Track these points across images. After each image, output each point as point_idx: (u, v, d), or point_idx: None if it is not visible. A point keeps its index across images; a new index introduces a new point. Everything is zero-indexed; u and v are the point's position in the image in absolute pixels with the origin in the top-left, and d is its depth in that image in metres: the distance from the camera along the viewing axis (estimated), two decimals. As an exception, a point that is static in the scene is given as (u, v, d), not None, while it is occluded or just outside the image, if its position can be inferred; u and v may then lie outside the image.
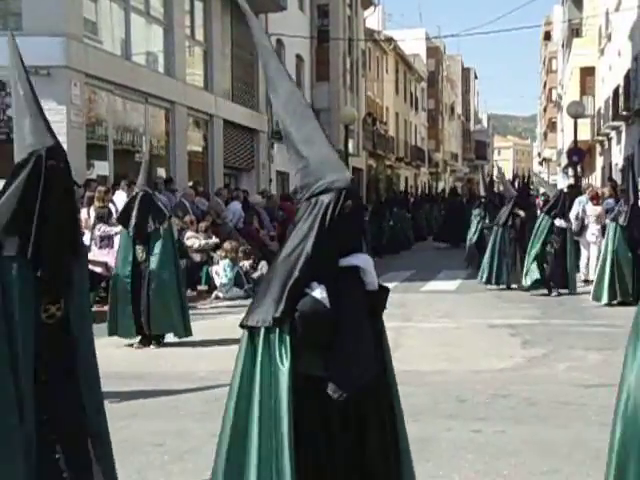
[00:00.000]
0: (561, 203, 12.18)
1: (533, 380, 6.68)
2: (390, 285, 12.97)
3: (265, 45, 3.10)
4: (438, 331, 9.30)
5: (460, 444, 4.92)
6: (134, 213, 8.19)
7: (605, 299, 10.84)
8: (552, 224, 12.02)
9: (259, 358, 2.68)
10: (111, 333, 8.20)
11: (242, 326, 2.80)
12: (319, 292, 2.62)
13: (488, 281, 13.09)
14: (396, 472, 2.81)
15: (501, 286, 13.05)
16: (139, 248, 8.15)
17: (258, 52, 3.13)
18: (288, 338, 2.62)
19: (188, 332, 8.28)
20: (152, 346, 8.35)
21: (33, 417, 2.94)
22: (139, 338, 8.34)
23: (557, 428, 5.24)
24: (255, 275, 13.78)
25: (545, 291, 12.32)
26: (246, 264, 13.32)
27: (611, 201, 13.84)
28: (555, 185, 15.79)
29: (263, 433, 2.61)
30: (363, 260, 2.75)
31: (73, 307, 3.13)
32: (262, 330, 2.70)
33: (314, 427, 2.65)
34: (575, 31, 42.68)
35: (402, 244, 22.52)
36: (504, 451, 4.79)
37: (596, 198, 13.63)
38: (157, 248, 8.14)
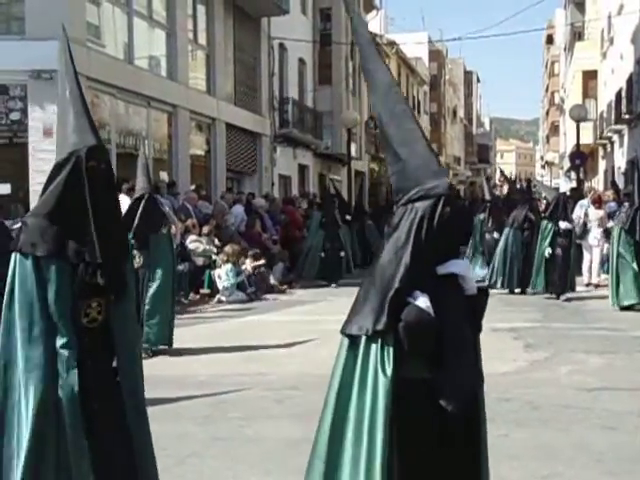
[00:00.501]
0: (562, 206, 12.13)
1: (535, 384, 6.68)
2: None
3: (364, 35, 2.96)
4: (440, 334, 9.29)
5: (462, 447, 4.91)
6: (137, 216, 7.90)
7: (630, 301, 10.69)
8: (556, 228, 11.96)
9: (359, 365, 2.66)
10: None
11: (343, 333, 2.79)
12: (423, 301, 2.57)
13: (503, 286, 12.86)
14: None
15: (506, 290, 12.93)
16: (136, 253, 7.78)
17: (356, 42, 2.98)
18: (391, 347, 2.59)
19: (170, 343, 8.08)
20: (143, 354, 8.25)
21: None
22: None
23: (559, 432, 5.24)
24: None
25: (547, 294, 12.28)
26: (249, 268, 13.33)
27: (613, 204, 13.83)
28: (557, 189, 15.59)
29: (358, 437, 2.61)
30: (461, 267, 2.68)
31: (117, 310, 3.04)
32: (363, 338, 2.67)
33: (416, 431, 2.61)
34: (577, 34, 42.69)
35: None
36: (506, 454, 4.78)
37: (598, 201, 13.62)
38: (156, 255, 7.89)
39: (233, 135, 19.85)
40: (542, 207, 15.50)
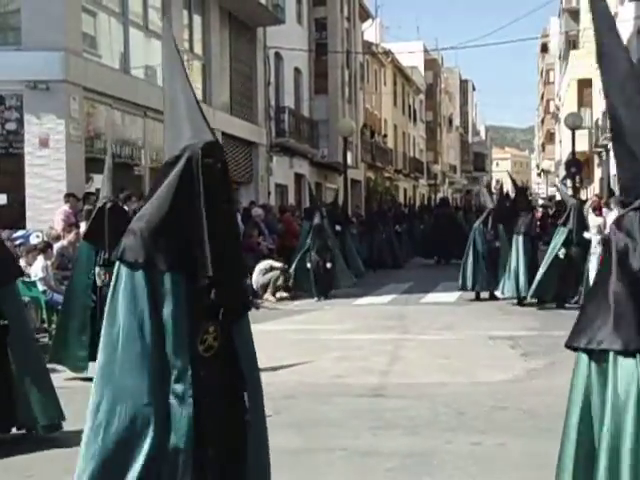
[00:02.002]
0: (577, 215, 11.76)
1: (533, 392, 6.67)
2: (389, 297, 12.98)
3: (605, 11, 2.66)
4: (438, 343, 9.29)
5: (460, 457, 4.91)
6: (106, 229, 6.95)
7: None
8: (568, 236, 11.59)
9: (610, 380, 2.51)
10: (54, 361, 7.07)
11: (573, 348, 2.60)
12: None
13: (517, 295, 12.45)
14: None
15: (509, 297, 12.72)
16: (101, 270, 6.97)
17: (595, 25, 2.62)
18: None
19: None
20: None
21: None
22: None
23: (557, 440, 5.21)
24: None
25: (540, 304, 12.10)
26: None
27: (615, 212, 13.78)
28: (573, 195, 15.27)
29: (611, 452, 2.51)
30: None
31: (238, 336, 2.70)
32: (611, 353, 2.49)
33: None
34: (572, 43, 42.89)
35: (395, 258, 20.92)
36: (504, 464, 4.77)
37: (599, 209, 13.59)
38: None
39: (229, 144, 19.86)
40: (538, 215, 15.48)
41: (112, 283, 2.72)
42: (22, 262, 9.89)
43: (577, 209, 11.94)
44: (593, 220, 13.31)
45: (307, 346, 9.07)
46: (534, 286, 11.84)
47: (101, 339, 2.68)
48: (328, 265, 13.95)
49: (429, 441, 5.23)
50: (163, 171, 2.75)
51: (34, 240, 10.96)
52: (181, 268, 2.63)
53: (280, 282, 13.99)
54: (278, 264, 14.32)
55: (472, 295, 13.65)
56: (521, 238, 12.57)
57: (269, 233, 16.48)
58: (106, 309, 2.68)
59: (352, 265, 16.11)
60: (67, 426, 5.41)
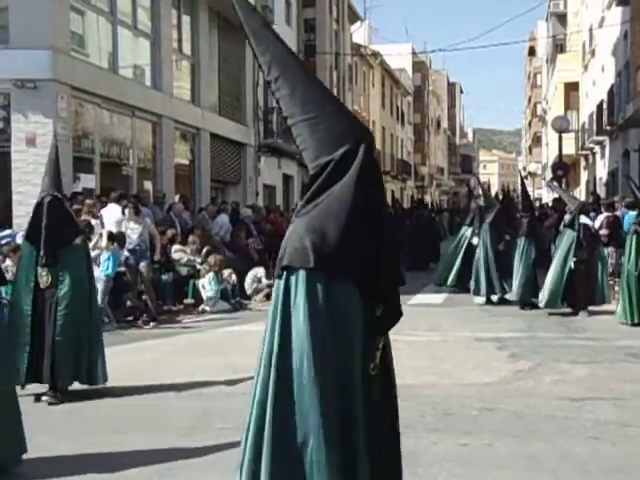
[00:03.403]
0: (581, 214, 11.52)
1: (520, 393, 6.69)
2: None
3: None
4: (425, 344, 9.31)
5: (447, 458, 4.92)
6: (43, 225, 6.31)
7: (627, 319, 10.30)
8: (578, 238, 11.36)
9: None
10: None
11: None
12: None
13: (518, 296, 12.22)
14: None
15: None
16: (43, 271, 6.29)
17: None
18: None
19: (99, 380, 6.60)
20: (48, 399, 6.35)
21: None
22: (48, 389, 6.41)
23: (544, 442, 5.25)
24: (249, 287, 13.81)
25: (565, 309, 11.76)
26: (234, 277, 13.29)
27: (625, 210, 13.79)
28: (575, 198, 14.99)
29: None
30: None
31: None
32: None
33: None
34: (559, 47, 43.11)
35: None
36: (491, 465, 4.79)
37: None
38: (67, 272, 6.32)
39: (217, 145, 19.84)
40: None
41: (279, 294, 2.59)
42: (8, 262, 9.84)
43: (583, 211, 11.74)
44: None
45: (295, 347, 9.07)
46: (547, 294, 11.48)
47: (275, 349, 2.59)
48: None
49: (416, 442, 5.24)
50: (335, 167, 2.60)
51: (20, 240, 10.90)
52: (355, 278, 2.53)
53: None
54: (266, 281, 14.08)
55: (459, 297, 13.66)
56: (526, 242, 12.34)
57: (258, 233, 16.46)
58: (278, 321, 2.56)
59: None
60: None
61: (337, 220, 2.54)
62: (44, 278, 6.27)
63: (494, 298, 12.99)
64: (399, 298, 2.78)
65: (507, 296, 12.80)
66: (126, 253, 11.37)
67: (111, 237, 10.89)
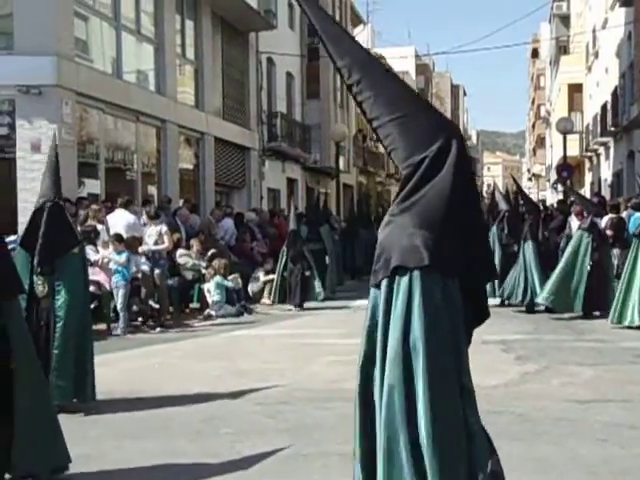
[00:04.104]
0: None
1: (527, 396, 6.67)
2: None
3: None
4: (431, 348, 9.28)
5: (455, 461, 4.90)
6: (41, 232, 5.96)
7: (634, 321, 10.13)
8: (593, 241, 11.30)
9: None
10: None
11: None
12: None
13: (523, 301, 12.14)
14: None
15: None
16: (38, 280, 6.00)
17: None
18: None
19: (89, 397, 6.22)
20: None
21: None
22: None
23: (552, 444, 5.23)
24: (251, 289, 13.84)
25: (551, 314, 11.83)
26: (239, 281, 13.30)
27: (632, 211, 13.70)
28: (591, 201, 14.82)
29: None
30: None
31: None
32: None
33: None
34: (563, 48, 43.08)
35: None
36: (499, 468, 4.77)
37: (581, 213, 13.56)
38: (64, 281, 6.01)
39: (222, 149, 19.86)
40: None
41: (393, 296, 2.59)
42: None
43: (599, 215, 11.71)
44: (576, 225, 13.26)
45: (301, 351, 9.06)
46: (552, 294, 11.41)
47: (393, 353, 2.56)
48: (306, 273, 13.32)
49: (424, 445, 5.22)
50: (430, 165, 2.57)
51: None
52: (459, 274, 2.54)
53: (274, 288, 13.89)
54: (269, 276, 14.16)
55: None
56: (531, 244, 12.25)
57: (262, 237, 16.47)
58: (398, 323, 2.54)
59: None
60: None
61: (440, 216, 2.55)
62: (40, 287, 5.97)
63: (497, 301, 12.92)
64: (487, 297, 2.80)
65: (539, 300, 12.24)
66: (143, 259, 11.41)
67: (119, 239, 10.87)
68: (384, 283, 2.70)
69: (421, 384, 2.56)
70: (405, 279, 2.59)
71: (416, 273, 2.55)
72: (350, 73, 2.76)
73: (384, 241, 2.72)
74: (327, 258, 14.56)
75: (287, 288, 13.32)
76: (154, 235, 11.70)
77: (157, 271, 11.57)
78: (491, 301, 12.83)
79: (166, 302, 11.70)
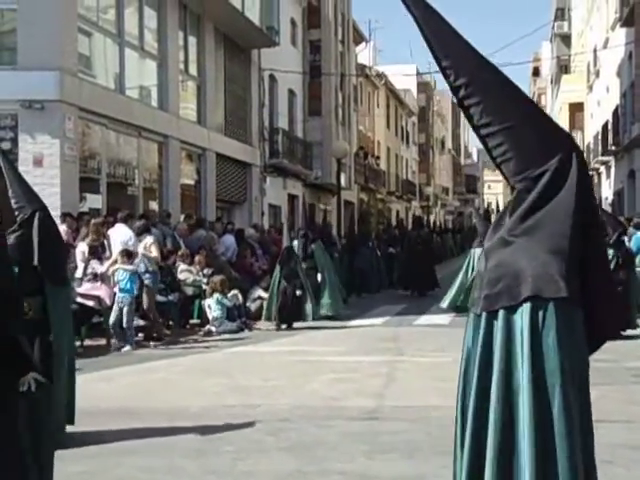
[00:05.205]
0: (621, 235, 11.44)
1: (529, 416, 6.62)
2: (382, 319, 12.84)
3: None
4: (433, 365, 9.24)
5: (457, 481, 4.85)
6: (35, 244, 5.17)
7: None
8: (617, 257, 11.13)
9: None
10: None
11: None
12: None
13: None
14: None
15: None
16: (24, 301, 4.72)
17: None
18: None
19: (70, 421, 5.81)
20: None
21: None
22: None
23: (555, 465, 5.18)
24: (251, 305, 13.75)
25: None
26: (239, 298, 13.25)
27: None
28: (615, 217, 14.65)
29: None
30: None
31: None
32: None
33: None
34: (564, 67, 43.27)
35: (380, 283, 19.49)
36: (502, 488, 4.72)
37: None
38: (52, 302, 5.16)
39: (223, 165, 19.89)
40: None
41: (509, 326, 2.43)
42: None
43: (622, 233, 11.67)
44: None
45: (301, 368, 9.02)
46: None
47: (521, 387, 2.43)
48: (298, 292, 12.88)
49: (425, 465, 5.18)
50: (551, 180, 2.41)
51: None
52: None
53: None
54: (265, 294, 14.03)
55: (466, 318, 13.60)
56: None
57: (263, 254, 16.44)
58: (523, 357, 2.41)
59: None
60: None
61: (568, 242, 2.39)
62: (25, 307, 4.82)
63: None
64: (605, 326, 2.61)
65: None
66: (146, 275, 11.34)
67: (128, 254, 10.80)
68: (503, 312, 2.49)
69: (562, 420, 2.46)
70: (539, 310, 2.41)
71: (551, 304, 2.39)
72: (457, 75, 2.53)
73: (505, 264, 2.48)
74: (319, 276, 13.98)
75: (279, 307, 12.91)
76: (142, 249, 11.61)
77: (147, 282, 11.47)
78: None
79: (156, 316, 11.59)
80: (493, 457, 2.48)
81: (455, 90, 2.57)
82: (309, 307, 13.23)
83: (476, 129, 2.58)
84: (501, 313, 2.50)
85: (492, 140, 2.53)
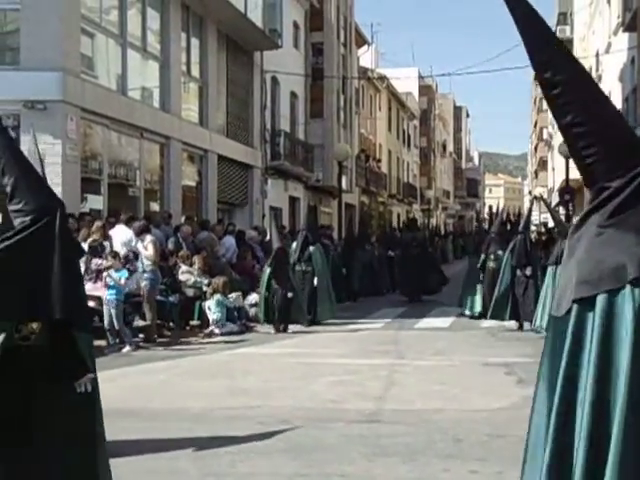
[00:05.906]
0: None
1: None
2: (382, 322, 12.86)
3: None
4: (433, 369, 9.24)
5: (458, 485, 4.85)
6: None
7: None
8: None
9: None
10: None
11: None
12: None
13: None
14: None
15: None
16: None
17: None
18: None
19: None
20: None
21: None
22: None
23: (555, 469, 5.17)
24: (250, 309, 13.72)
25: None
26: (240, 299, 13.24)
27: None
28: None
29: None
30: None
31: None
32: None
33: None
34: (565, 72, 43.19)
35: (379, 287, 19.41)
36: (502, 492, 4.72)
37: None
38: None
39: (225, 167, 19.90)
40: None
41: (610, 310, 2.37)
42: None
43: None
44: None
45: (301, 370, 9.02)
46: None
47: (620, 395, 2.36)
48: (289, 294, 12.64)
49: (426, 468, 5.18)
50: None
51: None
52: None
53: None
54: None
55: (466, 321, 13.61)
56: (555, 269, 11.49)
57: (264, 255, 16.41)
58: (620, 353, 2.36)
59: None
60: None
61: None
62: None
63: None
64: None
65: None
66: (145, 275, 11.34)
67: (120, 257, 10.87)
68: (603, 297, 2.43)
69: None
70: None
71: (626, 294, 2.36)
72: (554, 72, 2.52)
73: (600, 252, 2.47)
74: (315, 280, 13.72)
75: (271, 309, 12.79)
76: (142, 249, 11.63)
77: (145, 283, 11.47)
78: (505, 323, 12.83)
79: (154, 317, 11.59)
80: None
81: (550, 87, 2.55)
82: (301, 311, 13.11)
83: (566, 128, 2.55)
84: (601, 300, 2.45)
85: (583, 140, 2.51)
